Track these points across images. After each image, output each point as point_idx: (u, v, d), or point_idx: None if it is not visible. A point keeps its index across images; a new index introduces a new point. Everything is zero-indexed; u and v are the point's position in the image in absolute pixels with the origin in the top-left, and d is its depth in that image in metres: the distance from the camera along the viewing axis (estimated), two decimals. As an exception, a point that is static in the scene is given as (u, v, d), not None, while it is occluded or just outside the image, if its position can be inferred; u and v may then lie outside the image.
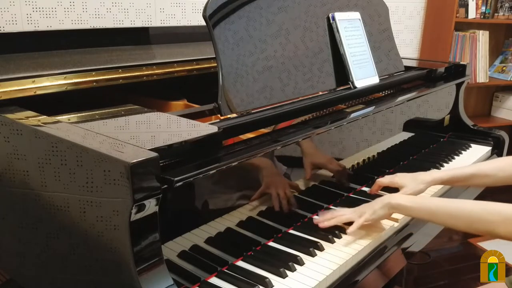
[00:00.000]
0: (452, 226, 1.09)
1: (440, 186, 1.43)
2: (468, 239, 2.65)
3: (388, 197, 1.17)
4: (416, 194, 1.31)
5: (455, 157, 1.74)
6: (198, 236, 0.98)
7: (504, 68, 3.41)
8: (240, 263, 1.03)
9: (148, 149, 0.80)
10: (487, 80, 3.26)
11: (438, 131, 1.93)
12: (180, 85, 1.45)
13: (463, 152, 1.80)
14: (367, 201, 1.32)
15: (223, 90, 1.10)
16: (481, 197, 1.66)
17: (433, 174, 1.36)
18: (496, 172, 1.30)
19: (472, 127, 1.97)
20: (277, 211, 1.14)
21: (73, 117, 1.04)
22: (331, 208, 1.29)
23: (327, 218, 1.18)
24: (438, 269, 2.36)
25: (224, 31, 1.14)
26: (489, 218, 1.00)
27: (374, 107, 1.44)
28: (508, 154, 1.93)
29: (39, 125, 0.93)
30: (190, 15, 2.21)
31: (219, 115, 1.09)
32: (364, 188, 1.43)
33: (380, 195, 1.31)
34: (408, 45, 3.17)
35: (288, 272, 1.00)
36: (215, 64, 1.12)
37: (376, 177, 1.48)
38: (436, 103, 1.85)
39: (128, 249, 0.78)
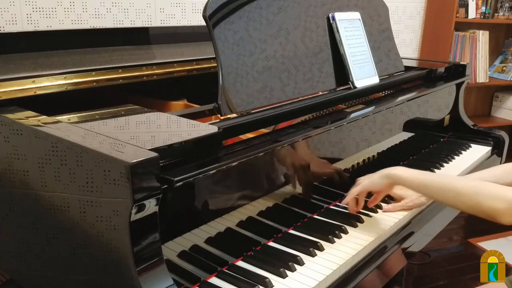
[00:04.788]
0: (441, 199, 1.13)
1: None
2: (468, 239, 2.65)
3: (388, 169, 1.22)
4: (417, 207, 1.32)
5: (455, 157, 1.74)
6: (198, 236, 0.98)
7: (504, 68, 3.41)
8: (240, 263, 1.03)
9: (148, 149, 0.80)
10: (487, 80, 3.26)
11: (438, 131, 1.93)
12: (180, 85, 1.45)
13: (463, 152, 1.80)
14: (367, 201, 1.32)
15: (223, 90, 1.10)
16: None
17: None
18: (498, 180, 1.30)
19: (472, 127, 1.97)
20: (278, 210, 1.14)
21: (73, 117, 1.04)
22: (331, 209, 1.29)
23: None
24: (438, 269, 2.36)
25: (224, 31, 1.14)
26: (479, 192, 1.03)
27: (374, 107, 1.44)
28: (508, 154, 1.93)
29: (39, 125, 0.93)
30: (190, 15, 2.21)
31: (219, 115, 1.09)
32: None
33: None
34: (408, 45, 3.17)
35: (288, 272, 1.00)
36: (215, 64, 1.12)
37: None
38: (436, 103, 1.85)
39: (128, 249, 0.78)
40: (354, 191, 1.24)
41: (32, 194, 0.95)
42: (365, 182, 1.23)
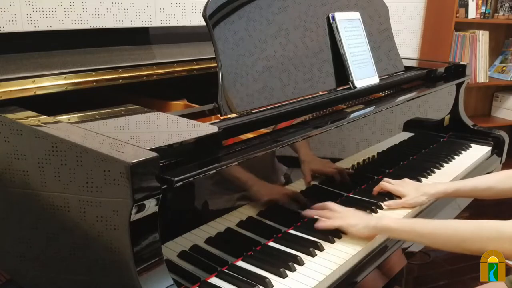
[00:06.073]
0: (442, 246, 1.07)
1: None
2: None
3: (376, 219, 1.14)
4: (417, 205, 1.31)
5: (455, 157, 1.74)
6: (198, 236, 0.98)
7: (504, 68, 3.41)
8: (240, 263, 1.03)
9: (148, 149, 0.80)
10: (487, 80, 3.26)
11: (438, 131, 1.93)
12: (180, 85, 1.45)
13: (463, 152, 1.80)
14: (367, 201, 1.33)
15: (223, 90, 1.10)
16: (469, 207, 1.66)
17: (437, 186, 1.35)
18: (498, 185, 1.29)
19: (472, 127, 1.97)
20: (278, 210, 1.14)
21: (73, 117, 1.04)
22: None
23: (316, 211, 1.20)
24: (438, 269, 2.36)
25: (224, 31, 1.14)
26: (481, 235, 0.98)
27: (374, 107, 1.44)
28: (508, 154, 1.93)
29: (39, 125, 0.93)
30: (190, 15, 2.21)
31: (219, 115, 1.09)
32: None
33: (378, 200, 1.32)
34: (408, 45, 3.17)
35: (288, 272, 1.00)
36: (215, 64, 1.12)
37: (376, 177, 1.49)
38: (436, 103, 1.85)
39: (128, 249, 0.78)
40: (334, 224, 1.14)
41: (32, 194, 0.95)
42: (346, 223, 1.13)
